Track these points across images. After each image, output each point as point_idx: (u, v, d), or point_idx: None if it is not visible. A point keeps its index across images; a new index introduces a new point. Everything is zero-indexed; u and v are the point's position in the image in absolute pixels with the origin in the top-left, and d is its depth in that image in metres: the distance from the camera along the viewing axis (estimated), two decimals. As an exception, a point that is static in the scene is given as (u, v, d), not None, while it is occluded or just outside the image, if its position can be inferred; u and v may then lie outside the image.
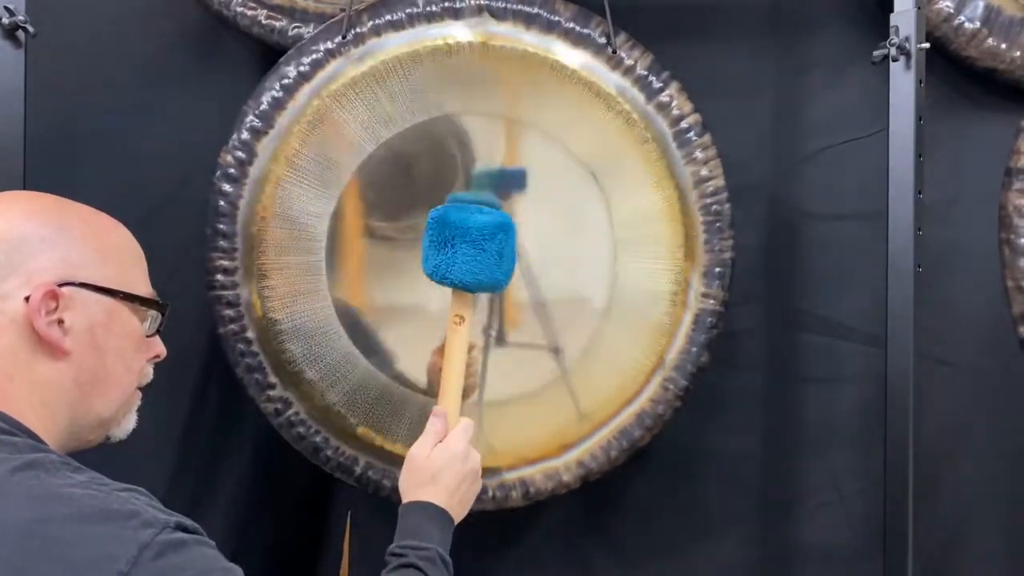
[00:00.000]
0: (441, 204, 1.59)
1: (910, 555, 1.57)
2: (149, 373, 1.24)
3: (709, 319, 1.81)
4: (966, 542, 1.95)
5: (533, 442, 1.84)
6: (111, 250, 1.18)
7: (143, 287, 1.21)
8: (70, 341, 1.11)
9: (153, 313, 1.21)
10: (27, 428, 1.08)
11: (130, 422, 1.23)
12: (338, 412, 1.82)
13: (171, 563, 0.96)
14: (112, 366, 1.16)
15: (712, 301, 1.81)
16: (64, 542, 0.93)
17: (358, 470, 1.85)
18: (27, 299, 1.09)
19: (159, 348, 1.24)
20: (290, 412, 1.83)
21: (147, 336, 1.21)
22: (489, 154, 1.80)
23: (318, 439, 1.84)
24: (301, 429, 1.83)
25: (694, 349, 1.82)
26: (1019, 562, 1.94)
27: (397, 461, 1.81)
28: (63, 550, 0.93)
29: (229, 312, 1.80)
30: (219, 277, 1.79)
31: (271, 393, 1.82)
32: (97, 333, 1.13)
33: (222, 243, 1.78)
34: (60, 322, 1.11)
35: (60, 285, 1.11)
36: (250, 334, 1.80)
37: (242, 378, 1.82)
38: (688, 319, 1.81)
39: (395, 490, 1.81)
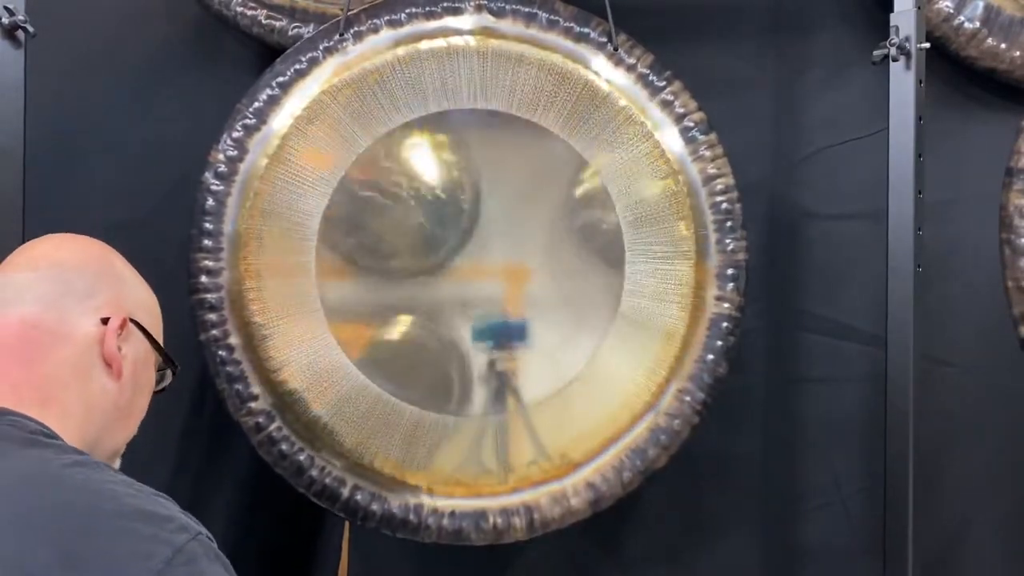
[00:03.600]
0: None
1: (910, 555, 1.57)
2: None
3: (725, 324, 1.77)
4: (966, 542, 1.95)
5: (538, 456, 1.79)
6: (152, 305, 1.30)
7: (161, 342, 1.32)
8: (124, 368, 1.21)
9: (167, 372, 1.32)
10: (61, 438, 1.13)
11: (117, 464, 1.29)
12: (324, 426, 1.74)
13: (199, 569, 1.02)
14: (138, 403, 1.26)
15: (727, 305, 1.77)
16: (108, 535, 0.98)
17: (345, 493, 1.76)
18: (103, 321, 1.20)
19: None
20: (272, 427, 1.75)
21: (155, 391, 1.31)
22: (490, 154, 1.80)
23: (302, 457, 1.75)
24: (284, 446, 1.75)
25: (710, 357, 1.77)
26: (1019, 562, 1.94)
27: (387, 483, 1.77)
28: (107, 541, 0.97)
29: (211, 316, 1.74)
30: (203, 279, 1.74)
31: (253, 405, 1.74)
32: (138, 369, 1.24)
33: (206, 243, 1.74)
34: (119, 348, 1.21)
35: (129, 319, 1.23)
36: (233, 340, 1.74)
37: (222, 389, 1.74)
38: (702, 325, 1.76)
39: (384, 519, 1.76)
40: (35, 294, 1.18)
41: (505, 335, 1.78)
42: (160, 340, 1.30)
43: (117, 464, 1.28)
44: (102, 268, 1.24)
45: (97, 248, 1.28)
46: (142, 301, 1.27)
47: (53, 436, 1.10)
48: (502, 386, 1.79)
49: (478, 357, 1.78)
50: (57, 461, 1.06)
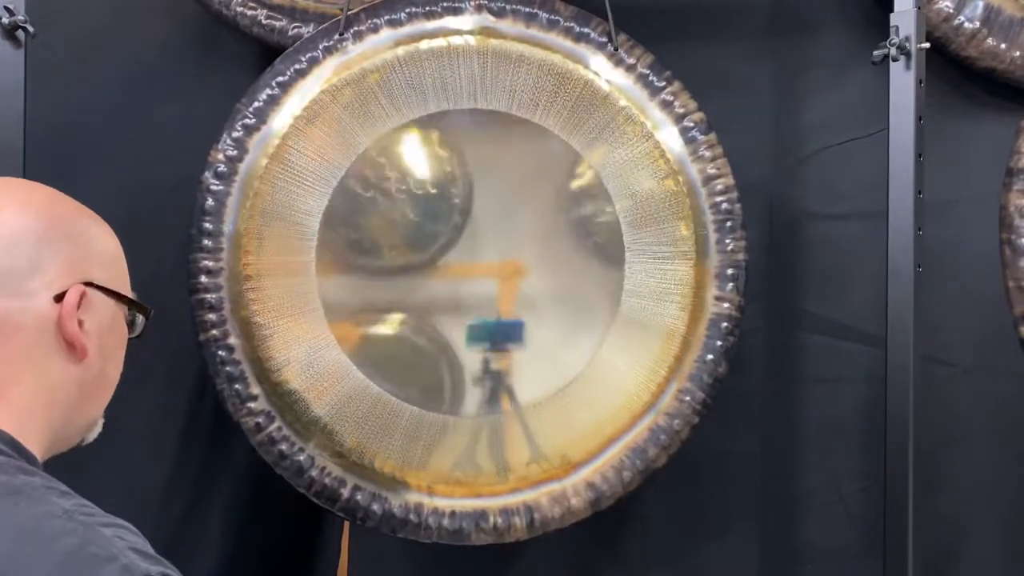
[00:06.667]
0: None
1: (910, 555, 1.57)
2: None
3: (724, 324, 1.77)
4: (966, 542, 1.95)
5: (537, 456, 1.79)
6: (111, 252, 1.12)
7: (129, 288, 1.15)
8: (89, 343, 1.06)
9: (138, 318, 1.15)
10: (19, 443, 1.00)
11: (100, 425, 1.16)
12: (324, 426, 1.75)
13: None
14: (110, 370, 1.12)
15: (727, 305, 1.78)
16: None
17: (345, 493, 1.76)
18: (56, 298, 1.03)
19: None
20: (272, 427, 1.75)
21: (130, 338, 1.15)
22: (489, 155, 1.80)
23: (302, 457, 1.75)
24: (284, 446, 1.75)
25: (710, 357, 1.78)
26: (1019, 562, 1.94)
27: (387, 483, 1.77)
28: None
29: (211, 316, 1.73)
30: (202, 279, 1.74)
31: (252, 406, 1.74)
32: (104, 336, 1.08)
33: (206, 243, 1.74)
34: (80, 323, 1.05)
35: (84, 285, 1.05)
36: (232, 340, 1.74)
37: (222, 389, 1.74)
38: (702, 324, 1.77)
39: (385, 518, 1.76)
40: None
41: (501, 336, 1.79)
42: (126, 285, 1.13)
43: (97, 430, 1.15)
44: (45, 231, 1.04)
45: (33, 206, 1.06)
46: (98, 252, 1.09)
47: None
48: (497, 386, 1.80)
49: (475, 357, 1.79)
50: None
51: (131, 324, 1.13)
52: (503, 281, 1.79)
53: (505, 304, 1.79)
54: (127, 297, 1.11)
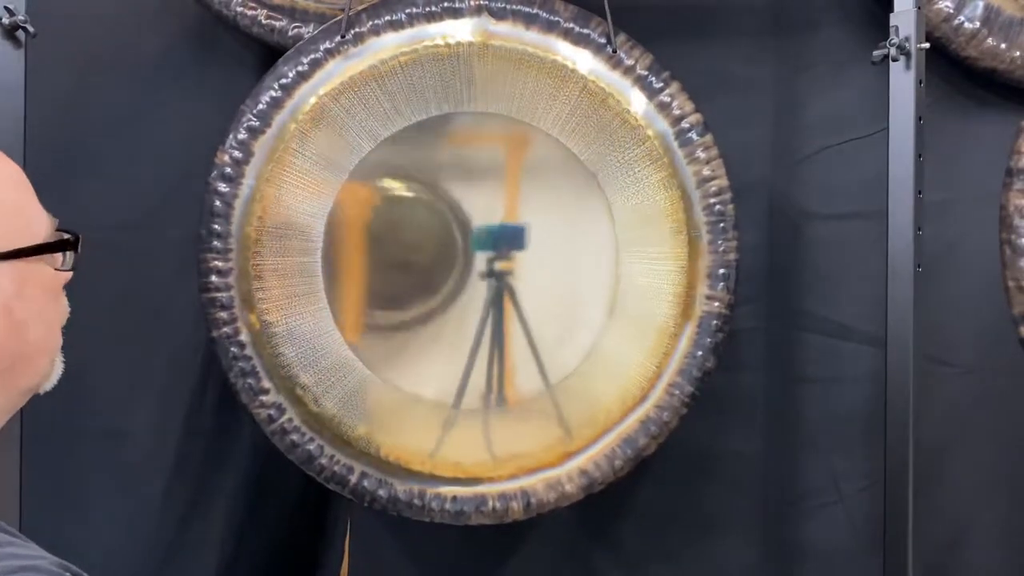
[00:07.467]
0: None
1: (910, 555, 1.57)
2: (66, 307, 0.98)
3: (714, 322, 1.80)
4: (966, 542, 1.95)
5: (533, 450, 1.83)
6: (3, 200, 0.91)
7: (43, 222, 0.94)
8: None
9: (66, 254, 0.95)
10: None
11: (57, 370, 0.97)
12: (332, 418, 1.80)
13: None
14: (35, 337, 0.91)
15: (717, 304, 1.80)
16: None
17: (353, 479, 1.82)
18: None
19: (66, 274, 0.97)
20: (283, 419, 1.80)
21: (58, 270, 0.95)
22: (490, 157, 1.81)
23: (312, 447, 1.81)
24: (295, 436, 1.81)
25: (699, 353, 1.80)
26: (1019, 562, 1.94)
27: (393, 470, 1.82)
28: None
29: (223, 315, 1.78)
30: (213, 279, 1.77)
31: (264, 399, 1.80)
32: (12, 309, 0.88)
33: (216, 244, 1.77)
34: None
35: None
36: (243, 337, 1.79)
37: (235, 383, 1.80)
38: (692, 322, 1.80)
39: (391, 501, 1.81)
40: None
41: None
42: (35, 221, 0.93)
43: (54, 378, 0.96)
44: None
45: None
46: None
47: None
48: (496, 382, 1.83)
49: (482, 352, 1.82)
50: None
51: (64, 259, 0.95)
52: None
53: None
54: (30, 248, 0.90)
